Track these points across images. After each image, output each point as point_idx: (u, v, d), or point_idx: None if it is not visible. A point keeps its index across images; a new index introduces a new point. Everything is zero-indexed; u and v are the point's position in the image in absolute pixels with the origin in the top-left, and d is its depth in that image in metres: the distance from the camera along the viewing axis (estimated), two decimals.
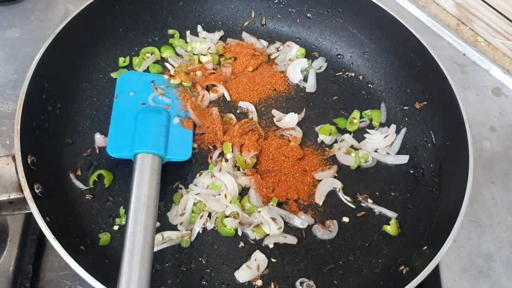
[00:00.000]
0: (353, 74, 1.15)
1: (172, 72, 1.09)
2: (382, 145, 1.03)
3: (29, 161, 0.81)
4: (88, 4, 1.00)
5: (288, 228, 0.93)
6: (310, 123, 1.07)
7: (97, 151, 0.98)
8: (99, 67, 1.07)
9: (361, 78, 1.14)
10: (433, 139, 1.01)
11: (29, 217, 0.93)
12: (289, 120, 1.04)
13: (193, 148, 1.00)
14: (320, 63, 1.15)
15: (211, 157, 1.00)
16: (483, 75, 1.27)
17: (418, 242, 0.89)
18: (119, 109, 1.00)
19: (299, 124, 1.05)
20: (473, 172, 0.86)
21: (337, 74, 1.15)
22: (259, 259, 0.88)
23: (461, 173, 0.87)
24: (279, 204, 0.95)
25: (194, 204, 0.93)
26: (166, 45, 1.14)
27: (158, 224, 0.89)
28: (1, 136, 1.04)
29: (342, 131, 1.07)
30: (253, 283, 0.87)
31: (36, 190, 0.79)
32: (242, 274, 0.87)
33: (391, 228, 0.94)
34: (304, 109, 1.08)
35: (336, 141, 1.05)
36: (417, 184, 0.99)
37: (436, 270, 0.97)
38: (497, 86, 1.25)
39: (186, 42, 1.15)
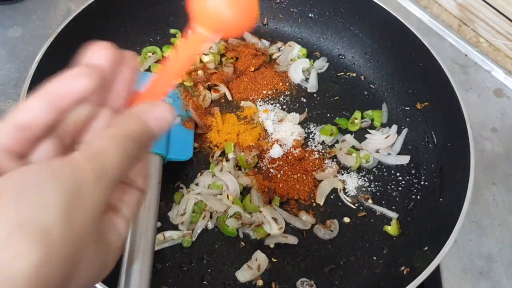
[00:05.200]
0: (354, 75, 1.15)
1: None
2: (383, 145, 1.03)
3: None
4: (89, 3, 1.00)
5: (289, 228, 0.94)
6: (312, 123, 1.07)
7: None
8: None
9: (362, 79, 1.14)
10: (435, 139, 1.01)
11: None
12: (291, 120, 1.04)
13: (194, 148, 1.00)
14: (322, 63, 1.15)
15: (212, 157, 1.00)
16: (484, 76, 1.26)
17: (419, 242, 0.89)
18: None
19: (300, 124, 1.05)
20: (474, 173, 0.86)
21: (338, 74, 1.15)
22: (260, 259, 0.88)
23: (462, 174, 0.87)
24: (280, 204, 0.95)
25: (195, 203, 0.93)
26: (168, 45, 1.14)
27: (159, 224, 0.89)
28: None
29: (343, 131, 1.07)
30: (254, 283, 0.87)
31: None
32: (243, 274, 0.87)
33: (392, 229, 0.94)
34: (306, 109, 1.08)
35: (337, 141, 1.05)
36: (418, 185, 0.99)
37: (437, 271, 0.96)
38: (499, 87, 1.25)
39: None
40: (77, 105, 0.39)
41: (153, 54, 1.11)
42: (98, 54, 0.42)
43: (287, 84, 1.12)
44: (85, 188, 0.32)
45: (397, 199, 0.99)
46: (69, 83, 0.38)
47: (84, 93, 0.38)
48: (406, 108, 1.08)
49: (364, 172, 1.02)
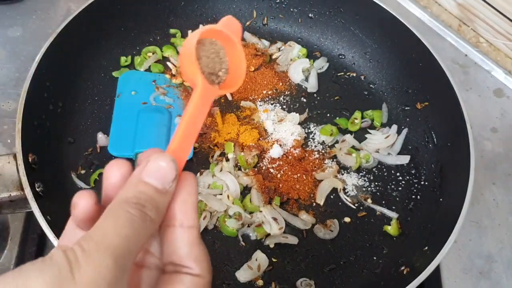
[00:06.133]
0: (354, 74, 1.15)
1: (173, 72, 1.09)
2: (384, 145, 1.03)
3: (30, 160, 0.81)
4: (89, 3, 1.00)
5: (289, 228, 0.94)
6: (312, 123, 1.07)
7: (98, 150, 0.98)
8: (101, 66, 1.07)
9: (362, 78, 1.14)
10: (435, 139, 1.01)
11: (30, 216, 0.93)
12: (291, 120, 1.04)
13: (194, 148, 1.00)
14: (322, 63, 1.15)
15: (212, 157, 1.00)
16: (484, 76, 1.26)
17: (419, 242, 0.89)
18: (120, 108, 1.00)
19: (300, 124, 1.05)
20: (474, 173, 0.86)
21: (338, 74, 1.15)
22: (260, 259, 0.88)
23: (462, 174, 0.87)
24: (280, 204, 0.95)
25: None
26: (168, 45, 1.14)
27: None
28: (2, 135, 1.05)
29: (343, 131, 1.07)
30: (254, 283, 0.87)
31: (37, 189, 0.79)
32: (243, 274, 0.87)
33: (392, 229, 0.94)
34: (307, 110, 1.08)
35: (337, 141, 1.05)
36: (418, 185, 0.99)
37: (437, 270, 0.97)
38: (499, 87, 1.25)
39: None
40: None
41: (153, 54, 1.11)
42: (111, 172, 0.44)
43: (287, 84, 1.12)
44: (74, 269, 0.34)
45: (397, 199, 0.99)
46: (75, 207, 0.42)
47: (87, 213, 0.41)
48: (406, 108, 1.08)
49: (364, 172, 1.02)
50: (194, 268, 0.42)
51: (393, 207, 0.97)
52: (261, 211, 0.92)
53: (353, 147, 1.03)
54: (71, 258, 0.34)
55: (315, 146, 1.03)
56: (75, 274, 0.33)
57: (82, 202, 0.41)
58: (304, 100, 1.10)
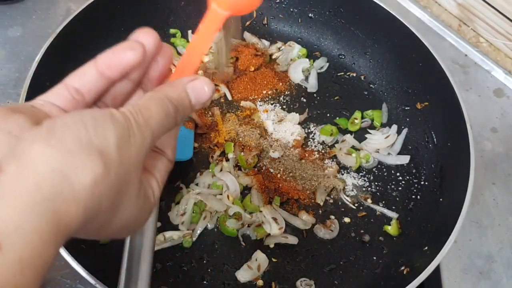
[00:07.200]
0: (354, 74, 1.15)
1: (173, 72, 1.09)
2: (383, 145, 1.03)
3: None
4: (89, 3, 1.00)
5: (289, 228, 0.94)
6: (312, 123, 1.07)
7: None
8: None
9: (362, 78, 1.14)
10: (435, 139, 1.01)
11: None
12: (291, 120, 1.04)
13: (194, 148, 1.00)
14: (322, 63, 1.15)
15: (212, 157, 1.00)
16: (484, 76, 1.26)
17: (419, 242, 0.89)
18: None
19: (300, 124, 1.05)
20: (474, 173, 0.86)
21: (338, 74, 1.15)
22: (260, 259, 0.88)
23: (462, 174, 0.87)
24: (280, 204, 0.95)
25: (195, 203, 0.93)
26: (168, 45, 1.13)
27: (159, 224, 0.89)
28: None
29: (343, 131, 1.07)
30: (254, 283, 0.87)
31: None
32: (243, 274, 0.87)
33: (392, 229, 0.94)
34: (307, 110, 1.08)
35: (337, 142, 1.05)
36: (418, 185, 0.99)
37: (437, 270, 0.96)
38: (499, 87, 1.25)
39: (188, 41, 1.15)
40: (121, 78, 0.46)
41: None
42: (145, 36, 0.47)
43: (287, 84, 1.12)
44: (131, 132, 0.39)
45: (397, 199, 0.99)
46: (118, 54, 0.45)
47: (130, 65, 0.45)
48: (406, 108, 1.08)
49: (364, 172, 1.02)
50: (169, 155, 0.50)
51: (393, 207, 0.97)
52: (261, 211, 0.92)
53: (353, 147, 1.03)
54: (128, 123, 0.39)
55: (315, 146, 1.03)
56: (130, 137, 0.39)
57: (151, 41, 0.47)
58: (304, 100, 1.10)
